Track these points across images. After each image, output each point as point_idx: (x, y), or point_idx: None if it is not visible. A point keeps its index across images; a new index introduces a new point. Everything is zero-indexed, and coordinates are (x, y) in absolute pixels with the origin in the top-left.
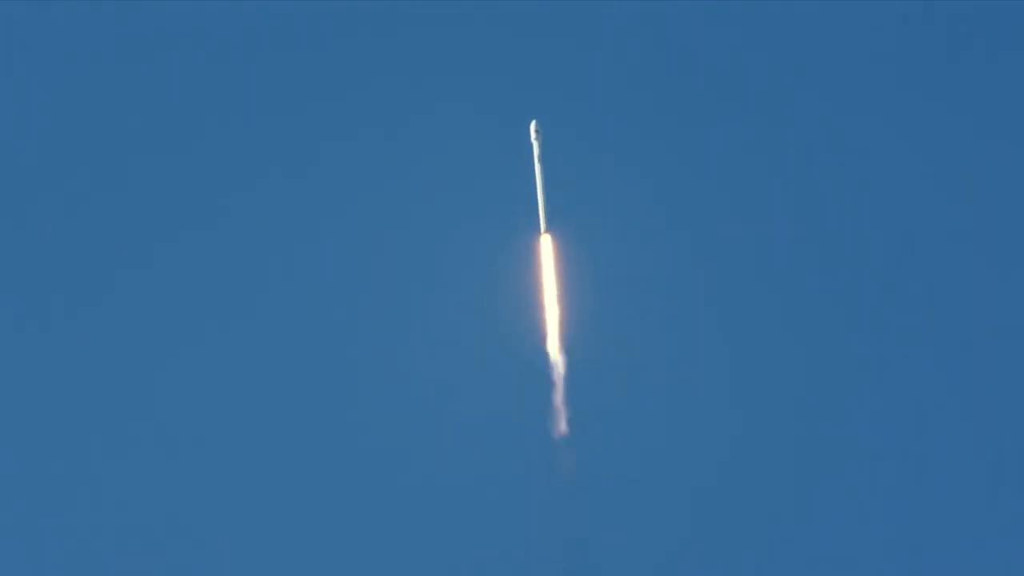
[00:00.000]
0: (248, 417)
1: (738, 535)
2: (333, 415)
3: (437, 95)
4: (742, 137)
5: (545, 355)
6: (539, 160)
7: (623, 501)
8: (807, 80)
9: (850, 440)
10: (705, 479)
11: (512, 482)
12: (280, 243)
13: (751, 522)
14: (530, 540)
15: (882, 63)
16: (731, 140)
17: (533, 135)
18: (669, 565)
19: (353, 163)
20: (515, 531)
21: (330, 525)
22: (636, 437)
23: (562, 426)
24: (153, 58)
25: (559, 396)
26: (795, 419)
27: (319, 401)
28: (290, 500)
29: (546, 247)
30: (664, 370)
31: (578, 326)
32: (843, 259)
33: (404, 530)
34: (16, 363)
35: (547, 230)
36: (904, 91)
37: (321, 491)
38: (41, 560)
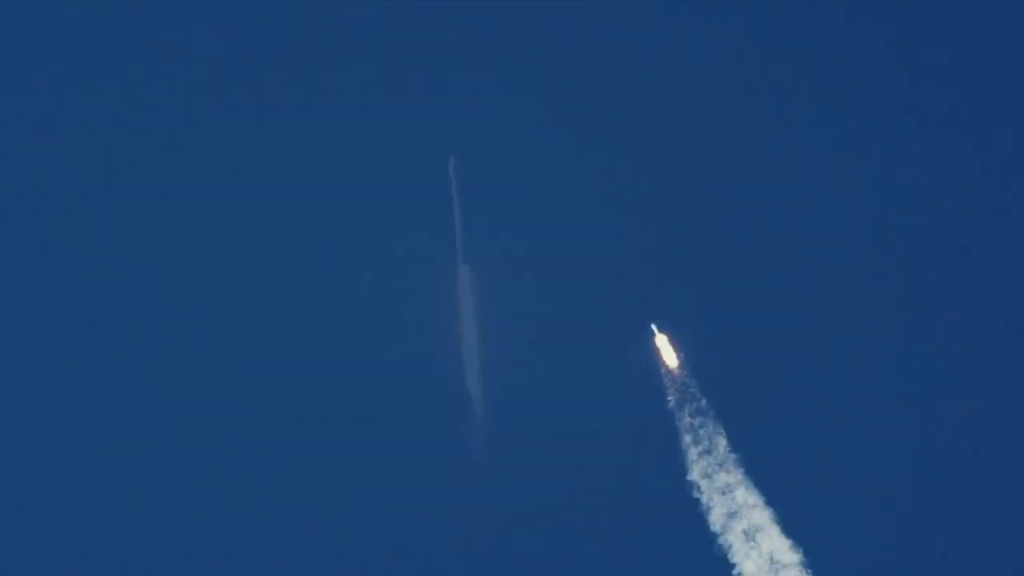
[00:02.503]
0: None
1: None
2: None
3: (359, 126)
4: (654, 170)
5: (462, 381)
6: (457, 194)
7: (540, 521)
8: (709, 117)
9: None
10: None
11: (435, 516)
12: (203, 272)
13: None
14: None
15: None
16: (645, 173)
17: (451, 171)
18: None
19: (272, 195)
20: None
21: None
22: (552, 462)
23: (480, 454)
24: None
25: (477, 423)
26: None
27: (243, 436)
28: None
29: (464, 277)
30: (579, 396)
31: (494, 351)
32: (769, 282)
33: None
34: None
35: (464, 261)
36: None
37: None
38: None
